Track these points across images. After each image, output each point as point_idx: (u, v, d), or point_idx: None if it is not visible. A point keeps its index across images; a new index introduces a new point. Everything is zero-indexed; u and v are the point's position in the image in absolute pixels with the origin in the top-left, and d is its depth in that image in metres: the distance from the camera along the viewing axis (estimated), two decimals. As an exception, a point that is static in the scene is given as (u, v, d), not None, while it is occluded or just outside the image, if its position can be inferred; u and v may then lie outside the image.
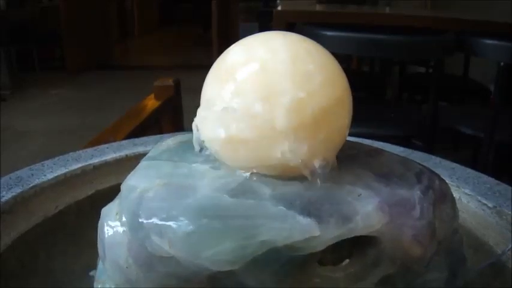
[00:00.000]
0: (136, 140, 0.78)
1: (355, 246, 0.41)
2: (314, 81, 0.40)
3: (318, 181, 0.41)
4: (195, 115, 0.45)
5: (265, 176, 0.41)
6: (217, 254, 0.37)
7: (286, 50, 0.41)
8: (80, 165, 0.69)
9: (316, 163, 0.40)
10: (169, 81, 1.63)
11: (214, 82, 0.43)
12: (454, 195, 0.48)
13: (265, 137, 0.39)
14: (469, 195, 0.64)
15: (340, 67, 0.43)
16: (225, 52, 0.44)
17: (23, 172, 0.66)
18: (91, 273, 0.49)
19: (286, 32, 0.44)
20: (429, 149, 1.78)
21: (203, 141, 0.43)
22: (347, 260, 0.41)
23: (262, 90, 0.39)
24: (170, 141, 0.52)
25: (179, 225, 0.37)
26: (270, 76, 0.40)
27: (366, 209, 0.39)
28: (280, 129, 0.39)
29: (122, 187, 0.44)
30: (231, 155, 0.41)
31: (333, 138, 0.42)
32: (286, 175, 0.41)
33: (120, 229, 0.41)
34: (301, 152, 0.40)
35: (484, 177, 0.67)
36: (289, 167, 0.40)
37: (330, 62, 0.43)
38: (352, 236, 0.39)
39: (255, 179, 0.41)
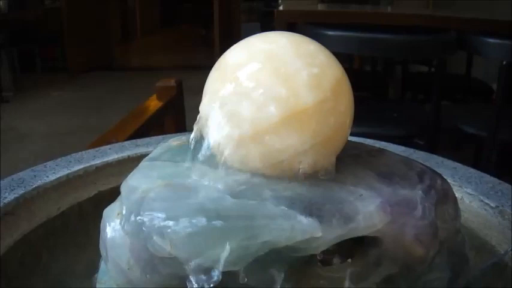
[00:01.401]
0: (139, 141, 0.78)
1: (357, 246, 0.41)
2: (320, 57, 0.42)
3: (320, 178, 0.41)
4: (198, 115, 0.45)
5: (267, 176, 0.41)
6: (219, 254, 0.37)
7: (285, 38, 0.43)
8: (82, 166, 0.69)
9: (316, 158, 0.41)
10: (172, 82, 1.63)
11: (217, 80, 0.43)
12: (456, 195, 0.48)
13: (292, 118, 0.40)
14: (472, 195, 0.64)
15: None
16: (226, 52, 0.45)
17: (25, 173, 0.66)
18: (95, 277, 0.49)
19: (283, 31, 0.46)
20: (432, 148, 1.77)
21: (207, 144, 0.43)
22: (349, 260, 0.41)
23: (277, 75, 0.40)
24: (172, 141, 0.52)
25: (181, 226, 0.37)
26: (279, 61, 0.41)
27: (368, 209, 0.39)
28: (307, 106, 0.40)
29: (122, 187, 0.44)
30: (242, 155, 0.41)
31: (337, 136, 0.43)
32: (289, 175, 0.41)
33: (122, 230, 0.41)
34: (328, 128, 0.41)
35: (487, 177, 0.67)
36: (294, 164, 0.40)
37: (324, 48, 0.44)
38: (354, 236, 0.39)
39: (256, 179, 0.41)
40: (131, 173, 0.45)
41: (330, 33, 1.69)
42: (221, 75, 0.43)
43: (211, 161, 0.42)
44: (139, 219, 0.39)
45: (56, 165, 0.69)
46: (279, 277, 0.38)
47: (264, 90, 0.40)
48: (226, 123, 0.41)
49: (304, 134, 0.40)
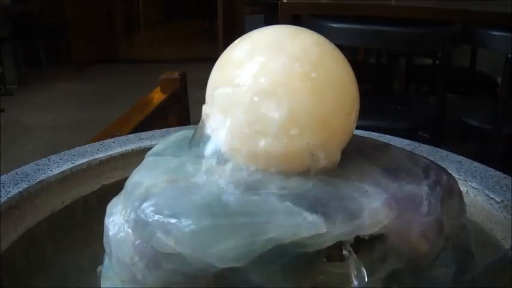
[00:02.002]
0: (143, 134, 0.78)
1: (362, 242, 0.41)
2: (324, 54, 0.42)
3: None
4: (201, 109, 0.45)
5: (271, 173, 0.41)
6: (224, 250, 0.36)
7: (289, 34, 0.43)
8: (85, 160, 0.69)
9: (321, 154, 0.40)
10: (175, 74, 1.63)
11: (220, 77, 0.43)
12: (461, 189, 0.48)
13: (295, 114, 0.39)
14: (477, 189, 0.63)
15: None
16: (227, 48, 0.44)
17: (29, 167, 0.66)
18: (98, 269, 0.49)
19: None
20: (436, 141, 1.77)
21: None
22: (354, 256, 0.41)
23: (280, 72, 0.40)
24: (175, 136, 0.51)
25: (185, 222, 0.37)
26: (281, 58, 0.40)
27: (373, 205, 0.39)
28: (310, 103, 0.40)
29: (127, 183, 0.44)
30: (246, 151, 0.41)
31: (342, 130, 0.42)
32: (294, 170, 0.41)
33: (126, 226, 0.41)
34: (333, 123, 0.41)
35: (492, 171, 0.67)
36: (299, 160, 0.40)
37: (328, 43, 0.44)
38: (361, 234, 0.38)
39: (261, 175, 0.41)
40: (136, 169, 0.45)
41: (335, 25, 1.69)
42: (223, 72, 0.43)
43: (216, 156, 0.42)
44: (143, 215, 0.39)
45: (60, 159, 0.69)
46: (284, 274, 0.38)
47: (267, 87, 0.40)
48: (229, 120, 0.41)
49: (308, 130, 0.40)
